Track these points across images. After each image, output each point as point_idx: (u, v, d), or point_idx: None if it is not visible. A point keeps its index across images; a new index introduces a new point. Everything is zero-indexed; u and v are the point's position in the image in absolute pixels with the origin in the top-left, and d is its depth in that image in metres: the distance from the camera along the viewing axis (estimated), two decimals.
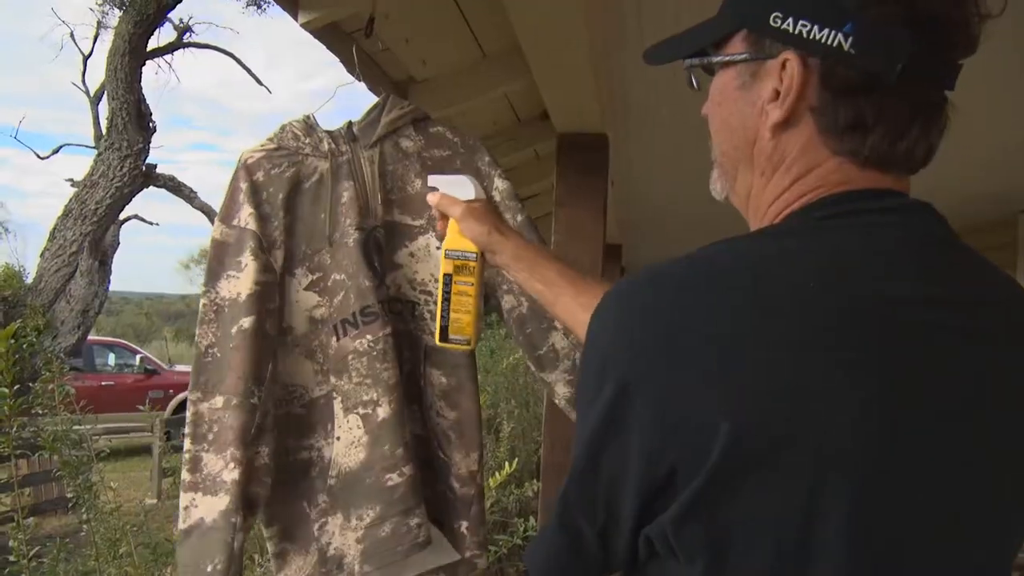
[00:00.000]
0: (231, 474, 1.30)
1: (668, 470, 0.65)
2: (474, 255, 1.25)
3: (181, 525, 1.32)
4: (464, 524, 1.48)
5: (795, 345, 0.64)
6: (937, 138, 0.75)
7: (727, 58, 0.80)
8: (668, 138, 3.43)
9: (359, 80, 1.83)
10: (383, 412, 1.37)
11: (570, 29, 1.73)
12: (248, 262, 1.37)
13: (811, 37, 0.71)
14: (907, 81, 0.70)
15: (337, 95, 1.62)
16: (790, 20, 0.73)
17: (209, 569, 1.26)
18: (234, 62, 11.14)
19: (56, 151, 12.28)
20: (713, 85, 0.85)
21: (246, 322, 1.34)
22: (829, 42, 0.71)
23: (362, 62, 1.94)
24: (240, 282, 1.37)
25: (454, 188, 1.27)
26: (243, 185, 1.40)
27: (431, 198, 1.29)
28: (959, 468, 0.67)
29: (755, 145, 0.79)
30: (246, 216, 1.39)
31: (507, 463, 3.83)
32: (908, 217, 0.74)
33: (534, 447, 5.68)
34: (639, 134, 3.31)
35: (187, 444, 1.34)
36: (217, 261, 1.40)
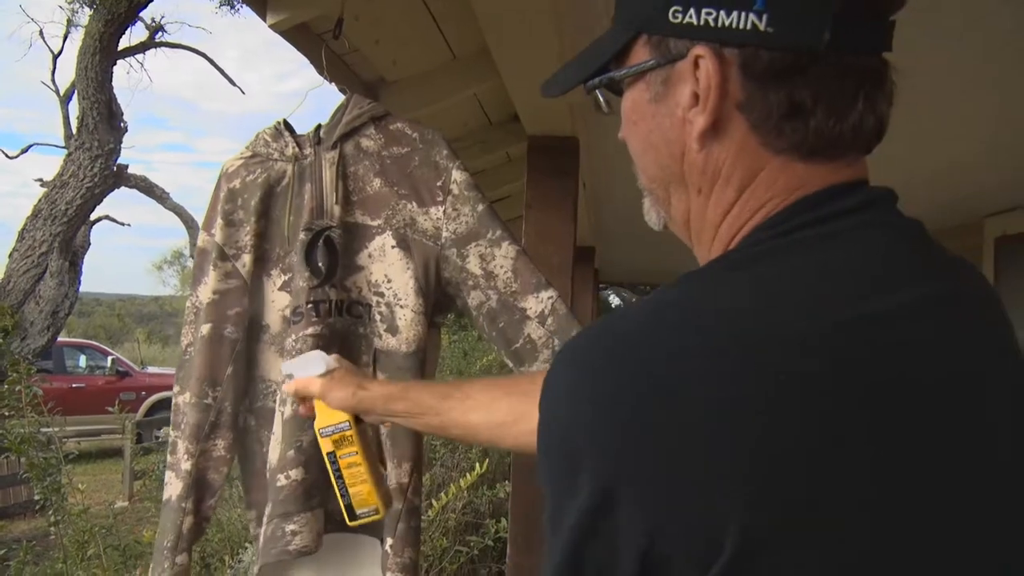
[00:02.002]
0: (186, 464, 1.43)
1: (668, 567, 0.54)
2: (347, 424, 1.20)
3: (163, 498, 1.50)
4: (388, 542, 1.40)
5: (797, 401, 0.54)
6: (886, 107, 0.66)
7: (631, 70, 0.70)
8: None
9: (329, 81, 1.83)
10: (287, 412, 1.39)
11: (538, 30, 1.74)
12: (209, 271, 1.46)
13: (720, 25, 0.62)
14: (838, 51, 0.62)
15: (328, 97, 1.64)
16: (692, 11, 0.64)
17: (166, 543, 1.41)
18: (207, 63, 11.05)
19: (25, 150, 12.12)
20: (624, 105, 0.75)
21: (204, 328, 1.44)
22: (742, 26, 0.62)
23: (332, 63, 1.95)
24: (205, 289, 1.46)
25: (307, 368, 1.23)
26: (221, 194, 1.48)
27: (287, 388, 1.25)
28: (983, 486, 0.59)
29: (683, 160, 0.69)
30: (216, 226, 1.47)
31: (478, 464, 3.84)
32: (876, 215, 0.66)
33: (506, 449, 5.68)
34: (611, 136, 3.32)
35: (171, 429, 1.49)
36: (198, 267, 1.50)
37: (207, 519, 1.48)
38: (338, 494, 1.23)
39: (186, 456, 1.43)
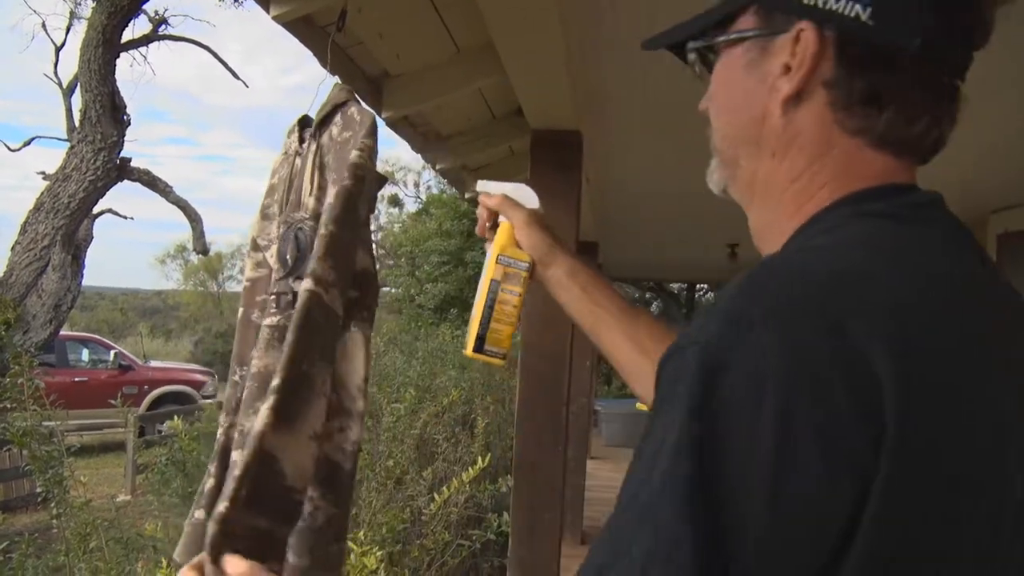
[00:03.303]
0: (219, 434, 1.41)
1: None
2: (526, 264, 1.20)
3: None
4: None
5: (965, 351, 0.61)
6: (948, 128, 0.72)
7: (735, 35, 0.77)
8: (645, 135, 3.45)
9: (333, 75, 1.83)
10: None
11: (543, 25, 1.74)
12: (247, 260, 1.48)
13: (827, 7, 0.69)
14: (923, 61, 0.68)
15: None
16: None
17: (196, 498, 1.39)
18: (211, 56, 11.04)
19: (27, 143, 12.16)
20: (716, 70, 0.81)
21: (240, 313, 1.46)
22: (847, 12, 0.68)
23: (336, 56, 1.94)
24: (245, 277, 1.49)
25: (516, 194, 1.23)
26: (265, 190, 1.50)
27: (488, 201, 1.25)
28: None
29: (764, 124, 0.76)
30: (255, 219, 1.49)
31: (480, 458, 3.84)
32: (947, 215, 0.72)
33: (509, 443, 5.69)
34: (615, 131, 3.32)
35: None
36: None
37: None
38: (478, 322, 1.20)
39: (220, 427, 1.45)
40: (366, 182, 1.24)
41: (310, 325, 1.09)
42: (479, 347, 1.20)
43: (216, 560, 0.88)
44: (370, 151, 1.26)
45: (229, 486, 0.96)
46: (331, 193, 1.29)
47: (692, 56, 0.83)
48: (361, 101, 1.39)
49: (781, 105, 0.73)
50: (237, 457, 1.26)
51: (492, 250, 1.22)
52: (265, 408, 1.02)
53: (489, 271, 1.21)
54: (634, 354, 1.15)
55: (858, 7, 0.68)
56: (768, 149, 0.76)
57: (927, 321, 0.60)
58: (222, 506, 0.93)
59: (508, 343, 1.21)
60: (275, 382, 1.05)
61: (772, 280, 0.63)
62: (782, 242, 0.74)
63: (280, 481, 1.03)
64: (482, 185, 1.28)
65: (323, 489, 1.15)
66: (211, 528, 0.91)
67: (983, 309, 0.66)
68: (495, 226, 1.26)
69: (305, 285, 1.13)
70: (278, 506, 1.03)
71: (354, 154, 1.26)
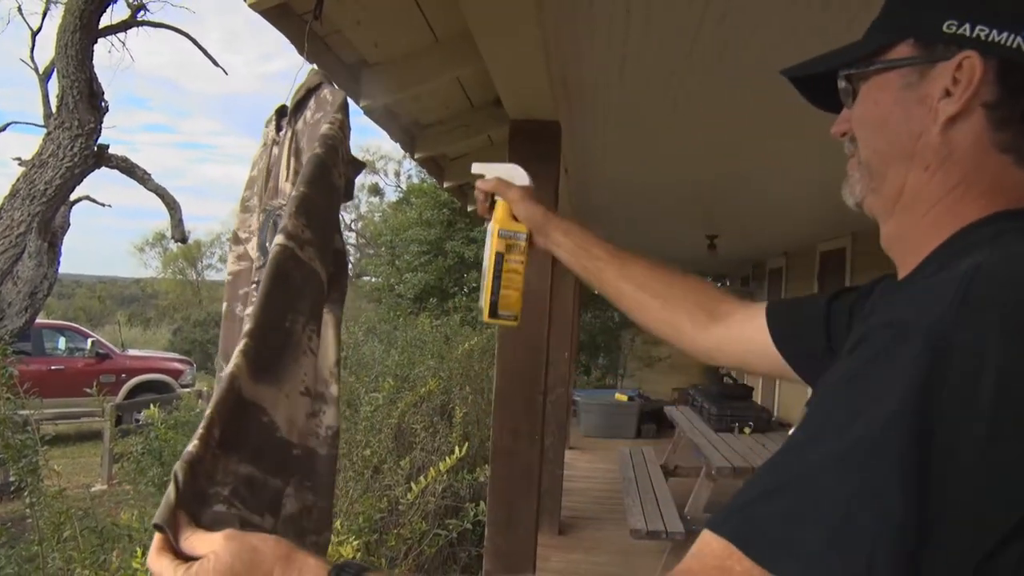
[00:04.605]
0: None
1: None
2: (524, 235, 1.35)
3: None
4: None
5: None
6: None
7: (894, 63, 0.86)
8: (623, 127, 3.46)
9: (310, 63, 1.82)
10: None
11: (521, 15, 1.74)
12: (229, 254, 1.49)
13: (990, 40, 0.79)
14: None
15: None
16: (967, 26, 0.80)
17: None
18: (191, 43, 10.93)
19: (3, 129, 11.95)
20: (867, 92, 0.90)
21: (223, 307, 1.46)
22: (1008, 44, 0.78)
23: (314, 44, 1.93)
24: (227, 271, 1.49)
25: (507, 174, 1.39)
26: (245, 183, 1.50)
27: (484, 184, 1.40)
28: None
29: (920, 139, 0.83)
30: (235, 212, 1.51)
31: (457, 448, 3.85)
32: None
33: (487, 432, 5.71)
34: (594, 122, 3.33)
35: None
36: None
37: None
38: (489, 290, 1.35)
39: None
40: (339, 152, 1.24)
41: (283, 277, 1.08)
42: (493, 312, 1.36)
43: (185, 506, 0.86)
44: (341, 124, 1.27)
45: (199, 428, 0.93)
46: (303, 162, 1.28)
47: (843, 83, 0.92)
48: (334, 83, 1.39)
49: (942, 124, 0.81)
50: None
51: (493, 226, 1.37)
52: (236, 351, 1.00)
53: (493, 245, 1.35)
54: (634, 291, 1.34)
55: (1019, 39, 0.78)
56: (921, 163, 0.84)
57: None
58: (191, 446, 0.91)
59: (518, 307, 1.36)
60: (246, 327, 1.04)
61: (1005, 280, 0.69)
62: (924, 248, 0.82)
63: (273, 432, 1.02)
64: (477, 167, 1.42)
65: (299, 477, 1.14)
66: (178, 468, 0.88)
67: None
68: (492, 204, 1.40)
69: (277, 240, 1.12)
70: (273, 457, 1.02)
71: (325, 127, 1.26)
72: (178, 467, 0.88)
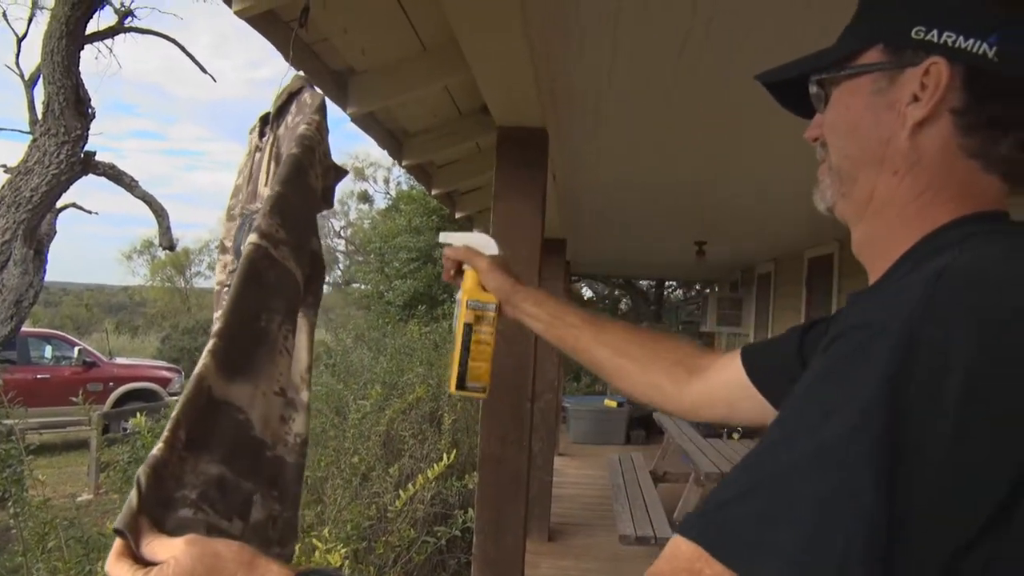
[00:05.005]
0: None
1: None
2: (494, 306, 1.36)
3: None
4: None
5: None
6: None
7: (864, 68, 0.87)
8: (611, 134, 3.47)
9: (297, 70, 1.82)
10: None
11: (507, 24, 1.74)
12: (217, 263, 1.45)
13: (957, 46, 0.80)
14: None
15: None
16: (935, 32, 0.81)
17: None
18: (179, 49, 10.90)
19: None
20: (838, 97, 0.90)
21: (214, 316, 1.40)
22: (975, 50, 0.79)
23: (301, 52, 1.93)
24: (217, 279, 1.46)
25: (476, 243, 1.40)
26: (231, 191, 1.47)
27: (451, 252, 1.41)
28: None
29: (889, 145, 0.84)
30: (221, 220, 1.46)
31: (446, 455, 3.84)
32: None
33: (476, 439, 5.70)
34: (581, 129, 3.33)
35: None
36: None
37: None
38: (457, 362, 1.35)
39: None
40: (316, 153, 1.22)
41: (255, 276, 1.06)
42: (461, 384, 1.35)
43: (148, 510, 0.84)
44: (318, 125, 1.25)
45: (164, 431, 0.91)
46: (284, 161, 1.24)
47: (815, 88, 0.93)
48: (315, 87, 1.37)
49: (909, 129, 0.82)
50: None
51: (461, 296, 1.37)
52: (205, 350, 0.98)
53: (461, 316, 1.36)
54: (612, 356, 1.33)
55: (985, 45, 0.79)
56: (890, 168, 0.85)
57: None
58: (156, 449, 0.88)
59: (487, 377, 1.36)
60: (215, 327, 1.01)
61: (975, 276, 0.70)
62: (894, 252, 0.82)
63: (248, 431, 1.00)
64: (444, 237, 1.43)
65: (265, 485, 1.12)
66: (141, 472, 0.86)
67: None
68: (460, 272, 1.42)
69: (250, 239, 1.09)
70: (246, 457, 1.00)
71: (302, 127, 1.24)
72: (141, 471, 0.86)
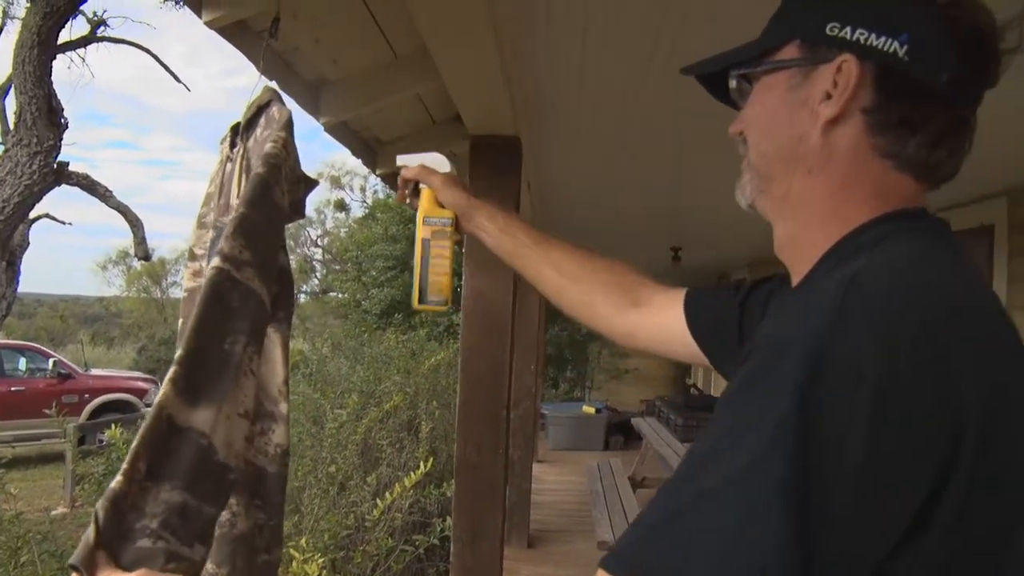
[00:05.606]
0: None
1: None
2: (450, 220, 1.39)
3: None
4: None
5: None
6: (961, 159, 0.82)
7: (780, 64, 0.86)
8: (584, 141, 3.49)
9: (269, 80, 1.82)
10: None
11: (476, 33, 1.75)
12: (185, 271, 1.46)
13: (868, 44, 0.79)
14: (948, 95, 0.79)
15: None
16: (848, 29, 0.80)
17: None
18: (152, 59, 10.85)
19: None
20: (756, 93, 0.90)
21: (180, 323, 1.40)
22: (886, 49, 0.79)
23: (273, 62, 1.93)
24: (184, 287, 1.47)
25: (430, 163, 1.43)
26: (203, 197, 1.47)
27: (408, 172, 1.43)
28: None
29: (802, 143, 0.84)
30: (192, 228, 1.46)
31: (423, 463, 3.84)
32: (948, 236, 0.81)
33: (455, 447, 5.69)
34: (554, 137, 3.35)
35: None
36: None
37: None
38: (418, 277, 1.39)
39: None
40: (282, 170, 1.22)
41: (217, 299, 1.05)
42: (423, 298, 1.39)
43: (106, 544, 0.84)
44: (284, 142, 1.24)
45: (124, 463, 0.91)
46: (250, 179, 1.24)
47: (734, 82, 0.93)
48: (283, 100, 1.36)
49: (822, 126, 0.82)
50: None
51: (419, 214, 1.40)
52: (166, 379, 0.98)
53: (420, 232, 1.39)
54: (554, 275, 1.37)
55: (895, 44, 0.78)
56: (804, 166, 0.84)
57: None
58: (115, 482, 0.88)
59: (448, 291, 1.40)
60: (177, 353, 1.01)
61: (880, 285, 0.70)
62: (812, 253, 0.82)
63: (211, 456, 0.99)
64: (401, 159, 1.46)
65: (248, 496, 1.12)
66: (99, 506, 0.86)
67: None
68: (416, 193, 1.45)
69: (212, 263, 1.08)
70: (209, 482, 0.99)
71: (268, 145, 1.24)
72: (99, 505, 0.86)
